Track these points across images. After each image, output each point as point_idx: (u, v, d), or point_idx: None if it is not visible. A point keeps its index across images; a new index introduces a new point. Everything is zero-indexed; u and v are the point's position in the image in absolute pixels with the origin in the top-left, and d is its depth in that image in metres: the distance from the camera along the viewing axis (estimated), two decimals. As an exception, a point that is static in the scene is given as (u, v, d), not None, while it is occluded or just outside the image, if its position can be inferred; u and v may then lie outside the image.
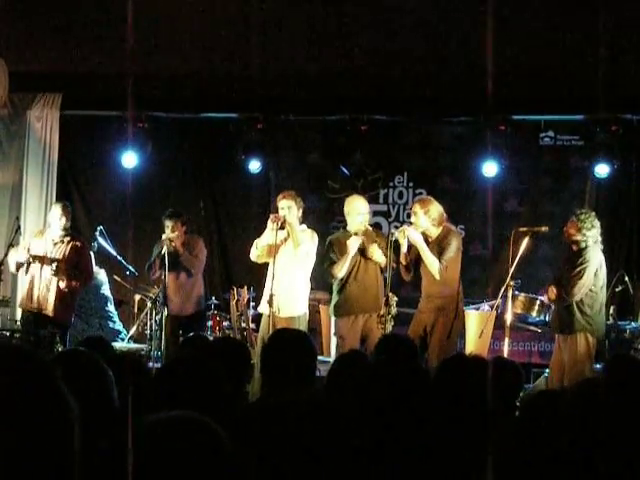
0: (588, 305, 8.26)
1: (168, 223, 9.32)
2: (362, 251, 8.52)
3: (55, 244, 9.01)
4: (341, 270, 8.51)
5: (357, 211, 8.62)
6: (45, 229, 9.39)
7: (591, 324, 8.25)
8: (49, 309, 8.95)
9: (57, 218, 9.04)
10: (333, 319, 8.75)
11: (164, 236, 9.22)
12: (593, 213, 8.59)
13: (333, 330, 8.71)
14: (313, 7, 9.13)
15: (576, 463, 2.23)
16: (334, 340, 8.62)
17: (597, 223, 8.41)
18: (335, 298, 8.69)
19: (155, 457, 1.70)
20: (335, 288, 8.71)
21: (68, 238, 9.09)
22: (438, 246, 8.35)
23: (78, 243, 9.14)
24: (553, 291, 8.35)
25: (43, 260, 8.93)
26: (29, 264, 8.94)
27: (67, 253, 8.99)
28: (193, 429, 1.78)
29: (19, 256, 8.97)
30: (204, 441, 1.76)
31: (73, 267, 8.99)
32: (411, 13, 9.12)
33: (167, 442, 1.73)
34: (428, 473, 2.39)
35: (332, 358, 8.55)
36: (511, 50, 9.26)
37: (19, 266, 8.99)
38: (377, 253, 8.45)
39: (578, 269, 8.18)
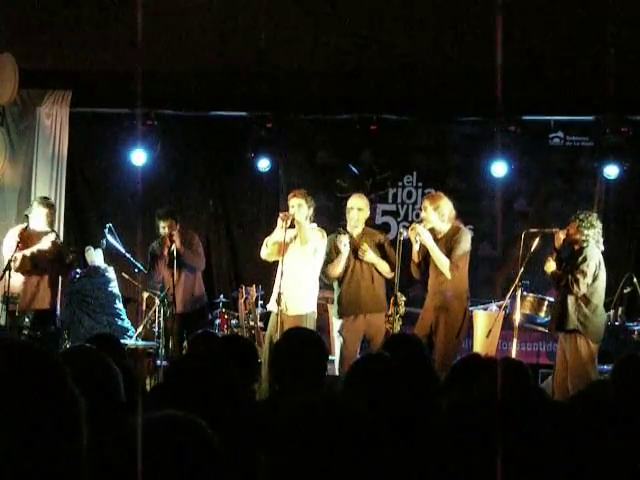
0: (585, 305, 8.28)
1: (163, 224, 9.36)
2: (355, 252, 8.56)
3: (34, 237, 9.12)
4: (335, 269, 8.58)
5: (349, 206, 8.80)
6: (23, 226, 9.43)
7: (586, 325, 8.25)
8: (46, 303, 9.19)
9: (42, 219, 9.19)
10: (333, 319, 8.83)
11: (162, 234, 9.26)
12: (595, 214, 8.65)
13: (335, 330, 8.77)
14: (323, 6, 9.13)
15: (586, 465, 2.22)
16: (337, 340, 8.67)
17: (598, 224, 8.45)
18: (335, 299, 8.77)
19: (143, 456, 1.71)
20: (335, 289, 8.80)
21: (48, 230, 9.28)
22: (447, 243, 8.35)
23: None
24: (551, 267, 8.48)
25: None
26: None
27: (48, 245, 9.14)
28: (182, 428, 1.79)
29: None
30: (192, 440, 1.77)
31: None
32: (421, 13, 9.12)
33: (155, 441, 1.74)
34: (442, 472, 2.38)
35: (336, 358, 8.59)
36: (521, 50, 9.25)
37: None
38: (368, 254, 8.49)
39: (580, 267, 8.22)
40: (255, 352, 5.15)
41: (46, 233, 9.19)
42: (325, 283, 9.91)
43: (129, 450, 1.74)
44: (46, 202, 9.53)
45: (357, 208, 8.71)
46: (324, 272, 8.71)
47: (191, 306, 9.59)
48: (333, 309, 8.86)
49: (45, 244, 9.06)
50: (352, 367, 4.30)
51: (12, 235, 9.14)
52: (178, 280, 9.43)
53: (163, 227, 9.39)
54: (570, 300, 8.28)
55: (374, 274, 8.53)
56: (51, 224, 9.41)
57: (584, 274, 8.21)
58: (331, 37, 9.68)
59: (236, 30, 9.43)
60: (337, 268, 8.57)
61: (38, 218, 9.28)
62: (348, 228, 8.74)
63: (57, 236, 9.35)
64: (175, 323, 9.43)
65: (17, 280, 9.05)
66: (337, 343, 8.65)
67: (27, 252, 9.01)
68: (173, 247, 9.23)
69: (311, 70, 10.37)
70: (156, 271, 9.59)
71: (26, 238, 9.05)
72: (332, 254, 8.64)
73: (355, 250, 8.58)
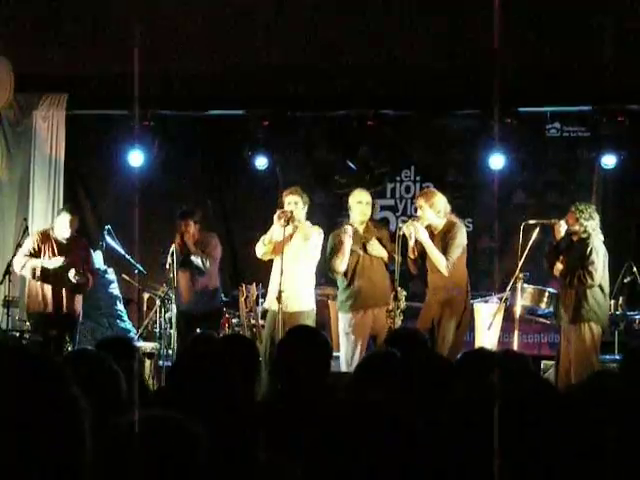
0: (598, 293, 8.29)
1: (181, 223, 9.42)
2: (364, 246, 8.52)
3: (62, 244, 9.17)
4: (341, 264, 8.52)
5: (356, 200, 8.67)
6: (49, 230, 9.52)
7: (597, 313, 8.28)
8: (64, 307, 9.28)
9: (66, 226, 9.27)
10: (340, 315, 8.71)
11: (175, 243, 9.34)
12: (593, 205, 8.67)
13: (341, 326, 8.66)
14: (319, 2, 9.13)
15: (588, 458, 2.22)
16: (344, 336, 8.58)
17: (596, 215, 8.45)
18: (342, 294, 8.68)
19: (133, 456, 1.72)
20: (341, 284, 8.70)
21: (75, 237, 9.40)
22: (443, 239, 8.35)
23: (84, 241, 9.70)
24: (558, 269, 8.43)
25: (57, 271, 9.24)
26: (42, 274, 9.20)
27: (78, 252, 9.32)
28: (170, 429, 1.80)
29: (26, 268, 9.25)
30: (181, 440, 1.77)
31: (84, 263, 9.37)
32: (417, 6, 9.12)
33: (144, 441, 1.75)
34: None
35: (341, 354, 8.53)
36: (517, 42, 9.25)
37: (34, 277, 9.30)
38: (376, 248, 8.47)
39: (590, 258, 8.22)
40: (256, 351, 5.15)
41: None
42: (327, 279, 9.91)
43: (112, 450, 1.75)
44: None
45: (365, 202, 8.68)
46: (331, 267, 8.65)
47: (199, 307, 9.57)
48: (339, 304, 8.76)
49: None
50: (361, 364, 4.29)
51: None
52: (187, 280, 9.49)
53: (180, 225, 9.44)
54: (586, 292, 8.27)
55: (382, 268, 8.50)
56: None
57: (594, 265, 8.21)
58: (327, 33, 9.68)
59: (232, 29, 9.42)
60: (343, 261, 8.51)
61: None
62: (356, 223, 8.66)
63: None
64: (182, 322, 9.47)
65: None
66: (343, 339, 8.56)
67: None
68: (174, 247, 9.29)
69: (308, 67, 10.36)
70: (166, 269, 9.61)
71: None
72: (337, 248, 8.59)
73: (364, 244, 8.54)
